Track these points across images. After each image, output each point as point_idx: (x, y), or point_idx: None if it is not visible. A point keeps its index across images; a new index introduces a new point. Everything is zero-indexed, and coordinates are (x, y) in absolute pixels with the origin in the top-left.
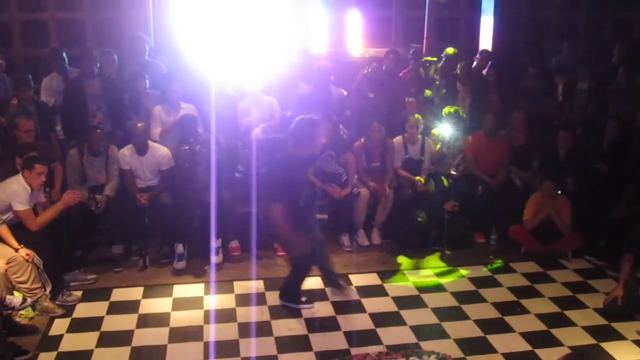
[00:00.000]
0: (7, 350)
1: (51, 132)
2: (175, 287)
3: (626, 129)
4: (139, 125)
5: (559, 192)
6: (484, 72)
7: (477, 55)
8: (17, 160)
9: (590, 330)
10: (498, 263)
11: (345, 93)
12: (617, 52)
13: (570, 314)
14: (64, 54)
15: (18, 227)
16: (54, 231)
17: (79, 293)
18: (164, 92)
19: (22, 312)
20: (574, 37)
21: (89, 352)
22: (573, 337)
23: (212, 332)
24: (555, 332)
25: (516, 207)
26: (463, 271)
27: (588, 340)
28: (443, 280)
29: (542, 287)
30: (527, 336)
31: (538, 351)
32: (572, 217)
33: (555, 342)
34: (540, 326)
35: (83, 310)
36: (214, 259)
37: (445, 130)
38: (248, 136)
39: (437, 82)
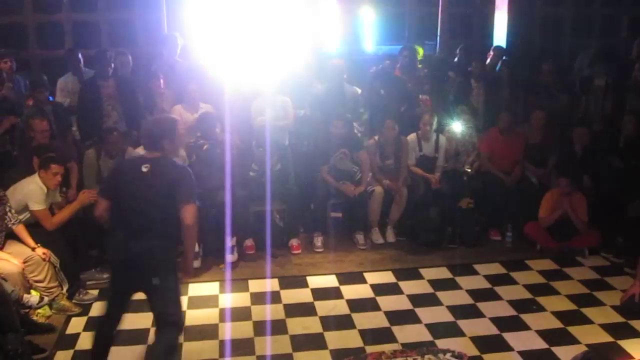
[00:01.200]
0: (24, 349)
1: (67, 132)
2: (191, 285)
3: None
4: None
5: (575, 189)
6: (497, 68)
7: (490, 52)
8: (33, 160)
9: (607, 327)
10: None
11: (359, 91)
12: (637, 47)
13: (587, 311)
14: (79, 55)
15: (34, 227)
16: (71, 230)
17: (95, 292)
18: (180, 92)
19: (39, 310)
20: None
21: None
22: (590, 334)
23: (228, 331)
24: (572, 329)
25: (532, 205)
26: (478, 269)
27: (605, 338)
28: (458, 278)
29: (558, 285)
30: (544, 334)
31: (554, 349)
32: (589, 214)
33: (571, 340)
34: (557, 324)
35: (100, 308)
36: (229, 257)
37: (459, 127)
38: (262, 135)
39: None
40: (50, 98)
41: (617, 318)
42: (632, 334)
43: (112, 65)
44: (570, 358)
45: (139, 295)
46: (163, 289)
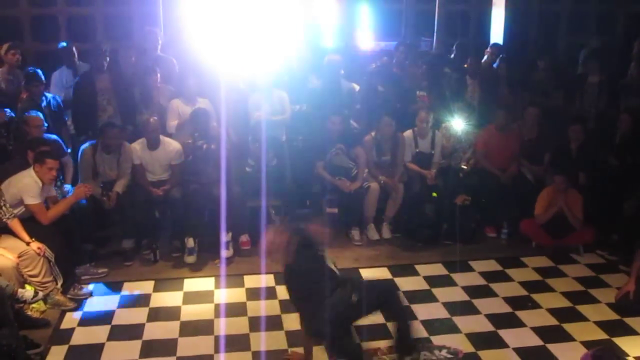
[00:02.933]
0: (19, 344)
1: (62, 126)
2: (186, 281)
3: (638, 123)
4: (151, 120)
5: (571, 186)
6: (494, 65)
7: (488, 49)
8: (28, 154)
9: (602, 325)
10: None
11: (357, 88)
12: (638, 46)
13: (582, 308)
14: (74, 49)
15: (29, 221)
16: (65, 225)
17: (90, 287)
18: (178, 87)
19: (33, 305)
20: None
21: (100, 346)
22: (585, 332)
23: (223, 326)
24: (567, 327)
25: (527, 202)
26: (474, 265)
27: (600, 335)
28: (454, 275)
29: (553, 282)
30: (539, 331)
31: (550, 346)
32: (584, 211)
33: (567, 337)
34: (552, 321)
35: (94, 304)
36: (224, 252)
37: (455, 124)
38: (258, 130)
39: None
40: (46, 94)
41: (612, 315)
42: (627, 331)
43: (108, 59)
44: (564, 354)
45: (140, 288)
46: None
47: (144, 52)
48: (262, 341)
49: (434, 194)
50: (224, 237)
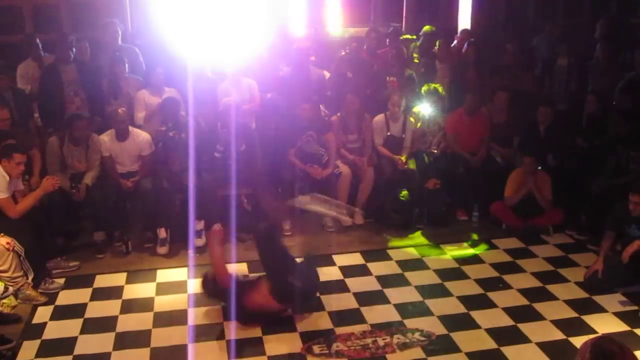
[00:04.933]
0: None
1: (29, 119)
2: (159, 271)
3: (605, 104)
4: (120, 111)
5: (539, 167)
6: (463, 50)
7: (458, 35)
8: None
9: (572, 303)
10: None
11: (328, 75)
12: (600, 28)
13: (552, 288)
14: (38, 40)
15: None
16: (35, 219)
17: (61, 280)
18: (146, 76)
19: (4, 301)
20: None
21: (73, 339)
22: (555, 311)
23: (196, 316)
24: (538, 306)
25: (497, 184)
26: (445, 249)
27: (570, 313)
28: (426, 258)
29: (524, 263)
30: (510, 311)
31: (520, 325)
32: (553, 192)
33: (537, 317)
34: (523, 301)
35: (66, 297)
36: (196, 241)
37: (425, 108)
38: (227, 116)
39: (415, 61)
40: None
41: (581, 294)
42: (596, 309)
43: (74, 50)
44: (535, 333)
45: (112, 281)
46: None
47: (101, 44)
48: (236, 330)
49: (403, 195)
50: (195, 225)
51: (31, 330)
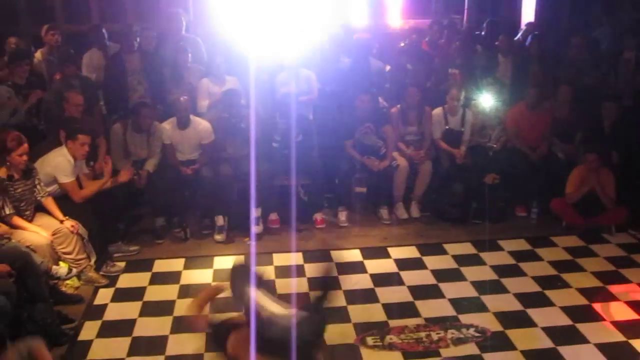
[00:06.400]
0: (54, 319)
1: (95, 106)
2: (216, 258)
3: None
4: (182, 99)
5: (603, 165)
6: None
7: (523, 26)
8: (60, 133)
9: (633, 305)
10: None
11: (388, 68)
12: None
13: (613, 288)
14: (103, 30)
15: (63, 199)
16: (98, 204)
17: (122, 264)
18: (208, 66)
19: (67, 282)
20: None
21: (132, 321)
22: (615, 312)
23: None
24: (597, 306)
25: (558, 181)
26: (503, 244)
27: (630, 315)
28: (482, 254)
29: (584, 262)
30: (568, 310)
31: (579, 325)
32: (616, 190)
33: (596, 317)
34: (582, 300)
35: (126, 280)
36: (255, 228)
37: (485, 101)
38: (285, 106)
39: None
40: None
41: None
42: None
43: (138, 39)
44: (593, 334)
45: (171, 266)
46: None
47: (169, 34)
48: None
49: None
50: (254, 212)
51: (92, 311)
